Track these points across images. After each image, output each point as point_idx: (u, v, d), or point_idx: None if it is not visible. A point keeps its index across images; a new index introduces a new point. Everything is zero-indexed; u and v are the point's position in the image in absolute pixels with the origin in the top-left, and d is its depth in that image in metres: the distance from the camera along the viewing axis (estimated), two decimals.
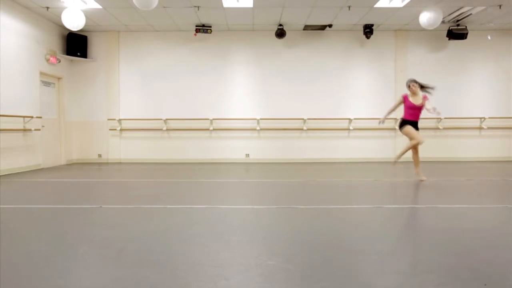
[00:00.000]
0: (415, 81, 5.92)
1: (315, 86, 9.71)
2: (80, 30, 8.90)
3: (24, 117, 7.65)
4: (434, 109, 5.62)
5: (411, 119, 5.96)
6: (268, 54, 9.69)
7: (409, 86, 5.92)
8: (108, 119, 9.62)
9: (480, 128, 9.72)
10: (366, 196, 4.97)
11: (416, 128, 5.99)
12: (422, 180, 5.97)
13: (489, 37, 9.38)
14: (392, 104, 6.45)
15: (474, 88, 9.81)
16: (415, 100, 5.90)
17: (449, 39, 9.23)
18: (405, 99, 5.99)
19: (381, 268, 2.31)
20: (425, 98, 5.91)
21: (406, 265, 2.35)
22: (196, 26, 9.00)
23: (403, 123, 6.02)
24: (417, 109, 5.92)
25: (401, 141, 9.72)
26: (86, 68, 9.70)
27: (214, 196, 4.97)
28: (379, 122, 6.34)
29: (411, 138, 5.95)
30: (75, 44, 9.24)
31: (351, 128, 9.65)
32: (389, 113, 6.24)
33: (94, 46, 9.65)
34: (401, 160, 6.09)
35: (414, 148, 6.00)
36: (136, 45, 9.68)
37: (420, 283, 2.08)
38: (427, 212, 3.85)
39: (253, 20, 8.75)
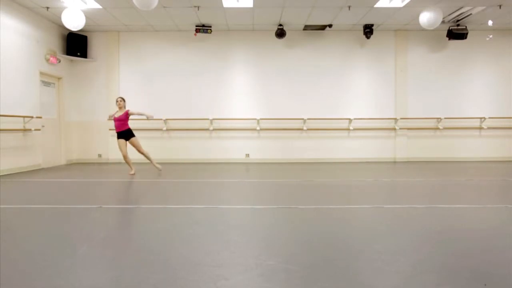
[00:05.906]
0: (122, 98, 7.16)
1: (315, 86, 9.71)
2: (80, 30, 8.91)
3: (24, 117, 7.65)
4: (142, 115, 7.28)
5: (117, 131, 7.16)
6: (268, 54, 9.69)
7: (116, 101, 7.10)
8: (108, 119, 9.58)
9: (480, 128, 9.71)
10: (366, 196, 4.97)
11: (126, 136, 7.17)
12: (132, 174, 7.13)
13: (487, 38, 9.38)
14: None
15: (474, 88, 9.81)
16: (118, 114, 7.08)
17: (449, 39, 9.22)
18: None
19: (381, 268, 2.31)
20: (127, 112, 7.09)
21: (406, 265, 2.35)
22: (196, 26, 9.00)
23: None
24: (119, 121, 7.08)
25: (401, 141, 9.73)
26: (86, 68, 9.70)
27: (214, 196, 4.96)
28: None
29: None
30: (75, 44, 9.24)
31: (351, 128, 9.64)
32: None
33: (94, 46, 9.65)
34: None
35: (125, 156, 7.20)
36: (136, 45, 9.68)
37: (420, 283, 2.08)
38: (427, 212, 3.85)
39: (253, 20, 8.75)
